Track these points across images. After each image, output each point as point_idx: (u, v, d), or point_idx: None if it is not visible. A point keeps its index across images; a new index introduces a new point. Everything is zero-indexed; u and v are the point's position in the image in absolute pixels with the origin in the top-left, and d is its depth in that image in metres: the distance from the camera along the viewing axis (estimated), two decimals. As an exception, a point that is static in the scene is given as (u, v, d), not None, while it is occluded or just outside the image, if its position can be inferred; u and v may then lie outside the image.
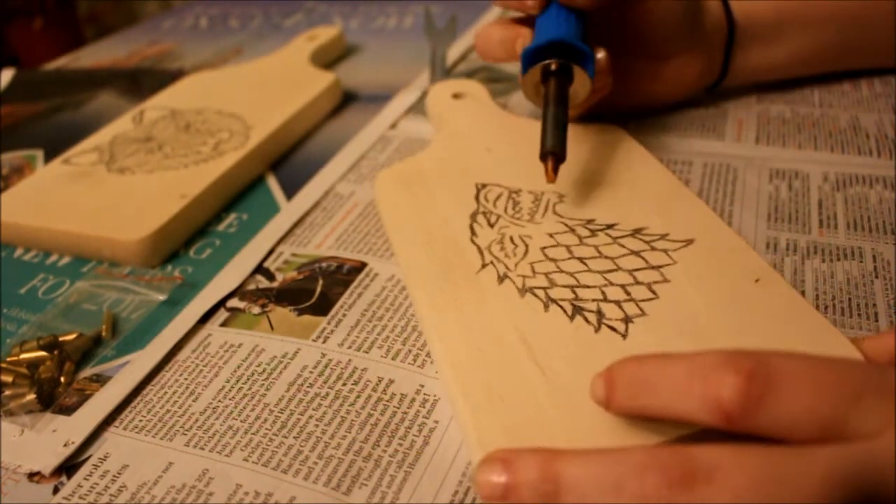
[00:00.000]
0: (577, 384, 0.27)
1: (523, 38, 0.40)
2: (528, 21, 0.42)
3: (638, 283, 0.32)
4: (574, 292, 0.32)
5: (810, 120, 0.48)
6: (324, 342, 0.34)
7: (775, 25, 0.47)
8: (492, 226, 0.36)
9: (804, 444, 0.20)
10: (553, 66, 0.37)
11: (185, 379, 0.33)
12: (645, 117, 0.49)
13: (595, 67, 0.38)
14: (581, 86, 0.38)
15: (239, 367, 0.33)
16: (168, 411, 0.31)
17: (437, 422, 0.29)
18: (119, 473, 0.29)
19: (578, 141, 0.42)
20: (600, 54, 0.39)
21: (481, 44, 0.43)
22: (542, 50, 0.38)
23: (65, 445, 0.30)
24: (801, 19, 0.47)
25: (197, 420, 0.30)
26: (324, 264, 0.39)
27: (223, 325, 0.36)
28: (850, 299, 0.33)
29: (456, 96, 0.49)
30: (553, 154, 0.35)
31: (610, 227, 0.35)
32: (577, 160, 0.40)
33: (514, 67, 0.59)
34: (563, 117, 0.36)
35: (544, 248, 0.34)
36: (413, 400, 0.30)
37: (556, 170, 0.35)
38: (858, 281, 0.34)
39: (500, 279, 0.33)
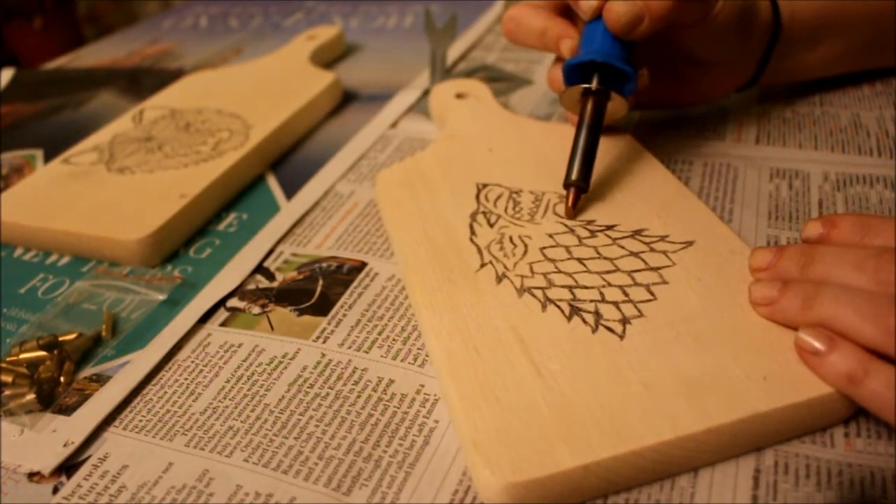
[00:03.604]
0: (573, 385, 0.27)
1: (571, 39, 0.39)
2: (566, 12, 0.41)
3: (636, 284, 0.32)
4: (572, 293, 0.32)
5: (811, 118, 0.48)
6: (324, 342, 0.34)
7: (815, 28, 0.46)
8: (492, 226, 0.36)
9: None
10: (593, 88, 0.37)
11: (185, 379, 0.33)
12: (646, 119, 0.49)
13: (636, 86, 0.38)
14: (619, 107, 0.38)
15: (239, 367, 0.33)
16: (168, 411, 0.31)
17: (437, 421, 0.29)
18: (119, 473, 0.29)
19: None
20: (640, 71, 0.38)
21: (513, 27, 0.41)
22: (587, 65, 0.37)
23: (64, 445, 0.30)
24: (838, 21, 0.46)
25: (197, 420, 0.30)
26: (324, 264, 0.39)
27: (223, 324, 0.36)
28: (849, 299, 0.33)
29: (459, 96, 0.49)
30: (577, 186, 0.36)
31: (610, 228, 0.35)
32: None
33: (515, 67, 0.59)
34: (593, 145, 0.36)
35: (543, 248, 0.34)
36: (413, 400, 0.30)
37: (576, 202, 0.36)
38: (858, 281, 0.34)
39: (499, 279, 0.33)
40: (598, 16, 0.37)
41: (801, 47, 0.46)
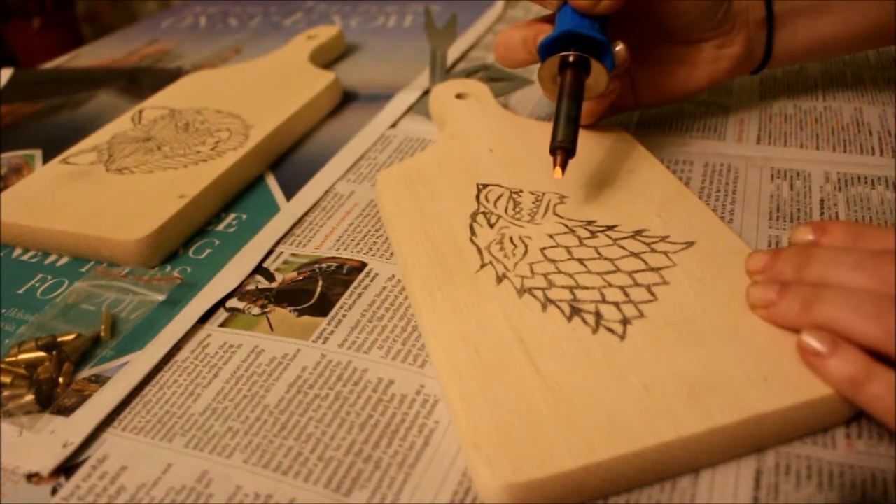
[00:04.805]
0: (574, 385, 0.27)
1: (545, 33, 0.39)
2: (548, 19, 0.41)
3: (637, 284, 0.32)
4: (573, 293, 0.31)
5: (813, 115, 0.48)
6: (324, 343, 0.34)
7: None
8: (492, 226, 0.36)
9: None
10: (570, 58, 0.37)
11: (185, 380, 0.33)
12: (647, 118, 0.49)
13: (616, 61, 0.38)
14: (599, 76, 0.38)
15: (238, 367, 0.33)
16: (167, 412, 0.31)
17: (437, 422, 0.29)
18: (118, 475, 0.29)
19: (581, 142, 0.41)
20: (618, 47, 0.38)
21: (503, 51, 0.42)
22: (561, 42, 0.37)
23: (63, 446, 0.30)
24: None
25: (196, 421, 0.30)
26: (324, 265, 0.39)
27: (222, 325, 0.36)
28: (850, 300, 0.33)
29: (459, 96, 0.49)
30: (562, 148, 0.35)
31: (610, 228, 0.35)
32: (579, 162, 0.40)
33: (514, 67, 0.59)
34: (575, 111, 0.36)
35: (544, 248, 0.34)
36: (413, 400, 0.30)
37: (564, 164, 0.35)
38: (859, 281, 0.34)
39: (499, 279, 0.33)
40: (563, 2, 0.38)
41: (810, 16, 0.44)
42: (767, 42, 0.45)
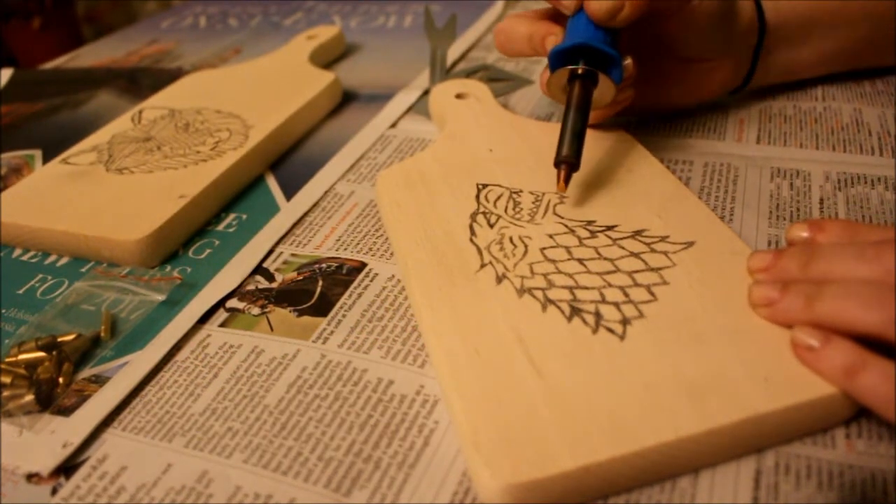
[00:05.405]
0: (573, 385, 0.27)
1: (555, 36, 0.39)
2: (554, 17, 0.41)
3: (637, 284, 0.32)
4: (572, 293, 0.31)
5: (812, 115, 0.48)
6: (323, 343, 0.34)
7: (805, 26, 0.46)
8: (491, 226, 0.36)
9: None
10: (579, 71, 0.37)
11: (185, 380, 0.33)
12: (647, 118, 0.49)
13: (623, 74, 0.38)
14: (606, 88, 0.38)
15: (238, 367, 0.33)
16: (167, 412, 0.31)
17: (437, 422, 0.29)
18: (118, 475, 0.29)
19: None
20: (627, 61, 0.39)
21: (503, 39, 0.42)
22: (572, 52, 0.37)
23: (63, 446, 0.30)
24: (832, 19, 0.46)
25: (196, 421, 0.30)
26: (323, 265, 0.39)
27: (222, 325, 0.36)
28: (850, 300, 0.33)
29: (459, 96, 0.49)
30: (567, 163, 0.36)
31: (610, 228, 0.35)
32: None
33: (515, 67, 0.59)
34: (582, 125, 0.36)
35: (543, 248, 0.34)
36: (413, 401, 0.30)
37: (568, 178, 0.36)
38: (859, 281, 0.34)
39: (499, 279, 0.33)
40: (580, 9, 0.38)
41: (790, 46, 0.46)
42: (751, 67, 0.46)
